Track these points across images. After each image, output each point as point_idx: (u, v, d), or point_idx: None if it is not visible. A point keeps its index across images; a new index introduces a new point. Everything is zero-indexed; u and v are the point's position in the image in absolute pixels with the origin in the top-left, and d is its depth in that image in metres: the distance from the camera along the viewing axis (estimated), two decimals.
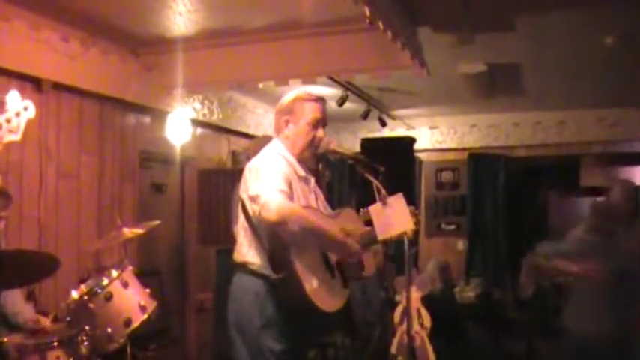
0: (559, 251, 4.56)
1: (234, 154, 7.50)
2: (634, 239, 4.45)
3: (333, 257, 3.25)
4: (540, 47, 5.91)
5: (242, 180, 3.24)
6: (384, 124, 8.54)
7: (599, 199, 4.70)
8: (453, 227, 9.55)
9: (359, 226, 3.38)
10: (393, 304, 5.64)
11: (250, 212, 3.12)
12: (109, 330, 3.77)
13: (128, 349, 3.97)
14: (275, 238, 3.00)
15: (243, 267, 3.16)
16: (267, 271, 3.08)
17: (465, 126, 9.45)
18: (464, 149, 9.40)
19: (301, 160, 3.30)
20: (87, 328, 3.71)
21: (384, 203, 3.21)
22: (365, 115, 8.03)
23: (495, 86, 7.38)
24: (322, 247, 3.20)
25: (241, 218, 3.22)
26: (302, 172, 3.28)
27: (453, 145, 9.55)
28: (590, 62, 6.36)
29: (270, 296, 3.08)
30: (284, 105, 3.35)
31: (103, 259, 4.92)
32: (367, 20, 4.30)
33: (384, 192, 3.23)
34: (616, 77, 6.99)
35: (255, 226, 3.11)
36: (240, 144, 7.58)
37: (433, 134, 9.58)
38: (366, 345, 5.98)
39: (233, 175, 6.59)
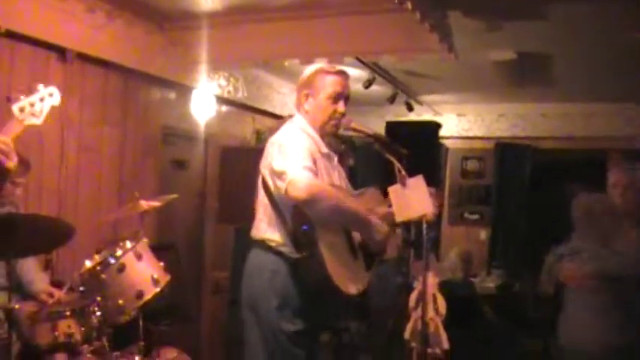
0: (555, 254, 4.28)
1: (258, 133, 7.44)
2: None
3: (357, 238, 3.18)
4: (571, 37, 5.76)
5: (264, 155, 3.18)
6: (410, 108, 8.44)
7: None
8: (476, 217, 9.45)
9: (383, 206, 3.31)
10: (411, 290, 5.57)
11: (272, 188, 3.06)
12: (120, 302, 3.73)
13: (141, 323, 3.94)
14: (300, 215, 2.95)
15: (261, 244, 3.11)
16: (287, 249, 3.03)
17: (493, 115, 9.32)
18: (490, 138, 9.29)
19: (323, 136, 3.24)
20: (98, 299, 3.69)
21: (404, 184, 3.15)
22: (392, 99, 7.94)
23: (525, 75, 7.26)
24: (349, 227, 3.14)
25: (261, 193, 3.17)
26: (325, 149, 3.22)
27: (479, 134, 9.43)
28: (621, 55, 6.20)
29: (288, 275, 3.03)
30: (304, 78, 3.29)
31: (121, 231, 4.89)
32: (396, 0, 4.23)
33: (403, 172, 3.16)
34: None
35: (277, 203, 3.05)
36: (265, 123, 7.52)
37: (460, 122, 9.47)
38: (381, 332, 5.91)
39: (256, 153, 6.54)
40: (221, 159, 6.72)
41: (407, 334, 3.90)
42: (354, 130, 3.29)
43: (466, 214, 9.51)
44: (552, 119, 8.98)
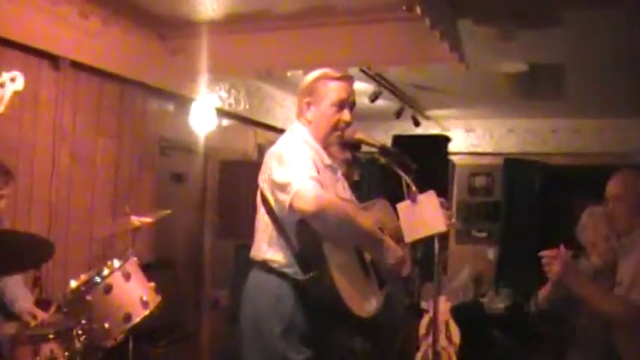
0: None
1: (260, 147, 7.24)
2: None
3: (369, 256, 2.95)
4: (585, 48, 5.57)
5: (262, 168, 2.94)
6: (417, 123, 8.25)
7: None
8: (484, 234, 9.21)
9: (393, 219, 3.06)
10: (419, 311, 5.34)
11: (273, 203, 2.81)
12: (107, 325, 3.49)
13: (130, 346, 3.70)
14: (305, 232, 2.70)
15: (263, 265, 2.86)
16: (291, 270, 2.78)
17: (502, 130, 9.12)
18: (499, 154, 9.07)
19: (326, 147, 3.00)
20: (83, 321, 3.45)
21: (414, 201, 2.90)
22: (398, 114, 7.75)
23: (536, 88, 7.06)
24: (360, 245, 2.90)
25: (261, 211, 2.92)
26: (327, 160, 2.98)
27: (488, 149, 9.22)
28: (635, 66, 6.00)
29: (293, 299, 2.78)
30: (306, 85, 3.03)
31: (114, 247, 4.67)
32: (404, 6, 4.02)
33: (414, 188, 2.92)
34: None
35: (279, 219, 2.81)
36: (267, 137, 7.32)
37: (468, 137, 9.25)
38: (388, 353, 5.67)
39: (258, 167, 6.34)
40: (220, 172, 6.50)
41: None
42: (360, 141, 3.05)
43: (474, 232, 9.27)
44: (563, 134, 8.77)
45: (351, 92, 3.03)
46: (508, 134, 9.11)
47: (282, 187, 2.71)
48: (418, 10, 3.84)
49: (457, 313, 5.20)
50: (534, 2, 4.64)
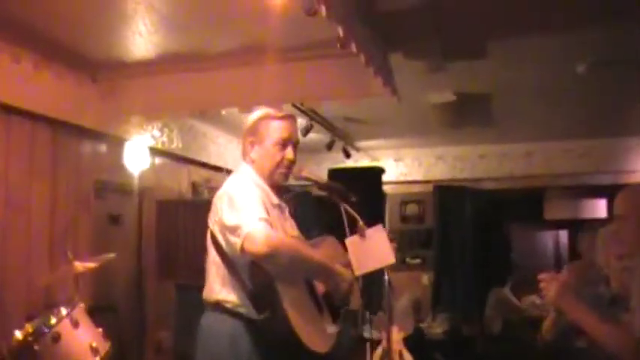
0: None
1: (194, 185, 7.21)
2: None
3: (320, 290, 2.98)
4: (511, 76, 5.81)
5: (212, 210, 2.95)
6: (348, 155, 8.37)
7: None
8: (418, 261, 9.37)
9: (342, 254, 3.11)
10: (364, 341, 5.39)
11: (224, 245, 2.82)
12: None
13: None
14: (258, 272, 2.71)
15: (216, 306, 2.85)
16: (245, 310, 2.78)
17: (431, 158, 9.34)
18: (429, 181, 9.26)
19: (272, 186, 3.04)
20: None
21: (363, 235, 2.97)
22: (329, 146, 7.85)
23: (464, 116, 7.26)
24: (313, 278, 2.95)
25: (212, 252, 2.92)
26: (275, 200, 3.02)
27: (418, 177, 9.44)
28: (561, 92, 6.30)
29: (249, 339, 2.78)
30: (249, 125, 3.08)
31: (55, 294, 4.56)
32: (339, 43, 4.10)
33: (361, 223, 2.99)
34: (585, 108, 6.96)
35: (231, 261, 2.81)
36: (201, 174, 7.31)
37: (398, 166, 9.43)
38: None
39: (194, 206, 6.32)
40: (157, 212, 6.42)
41: None
42: (307, 179, 3.10)
43: (408, 259, 9.41)
44: (491, 159, 9.05)
45: (294, 131, 3.09)
46: (437, 162, 9.33)
47: (233, 230, 2.73)
48: (354, 47, 3.93)
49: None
50: (462, 35, 4.81)
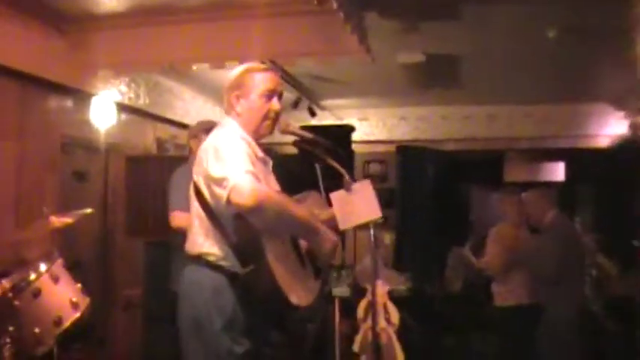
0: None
1: (159, 142, 7.12)
2: None
3: (303, 245, 2.99)
4: (482, 39, 5.84)
5: (196, 161, 2.93)
6: (313, 114, 8.33)
7: None
8: (380, 220, 9.41)
9: (325, 209, 3.12)
10: (330, 299, 5.45)
11: (209, 197, 2.80)
12: (37, 330, 3.37)
13: (55, 351, 3.58)
14: (243, 226, 2.69)
15: (199, 259, 2.84)
16: (228, 264, 2.78)
17: (394, 118, 9.39)
18: (392, 142, 9.28)
19: (258, 139, 3.03)
20: (11, 328, 3.30)
21: (349, 190, 2.99)
22: (295, 104, 7.80)
23: (431, 77, 7.31)
24: (297, 236, 2.95)
25: (195, 205, 2.90)
26: (260, 153, 3.00)
27: (381, 137, 9.48)
28: (529, 57, 6.34)
29: (231, 292, 2.78)
30: (232, 79, 3.04)
31: (24, 250, 4.47)
32: (316, 1, 4.08)
33: (347, 177, 3.01)
34: (550, 73, 7.03)
35: (215, 213, 2.80)
36: (167, 131, 7.22)
37: (362, 125, 9.43)
38: (303, 340, 5.75)
39: (161, 163, 6.25)
40: (126, 169, 6.31)
41: (356, 347, 3.74)
42: (293, 133, 3.09)
43: None
44: (454, 121, 9.14)
45: (278, 82, 3.07)
46: (400, 122, 9.38)
47: (219, 182, 2.70)
48: (334, 4, 3.90)
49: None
50: None
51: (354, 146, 9.12)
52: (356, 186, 3.00)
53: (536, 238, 5.63)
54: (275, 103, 3.01)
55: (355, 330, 5.06)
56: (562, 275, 5.16)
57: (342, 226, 3.04)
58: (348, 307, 5.77)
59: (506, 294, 5.60)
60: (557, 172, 9.60)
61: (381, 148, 9.49)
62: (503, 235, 5.71)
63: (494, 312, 5.72)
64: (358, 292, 5.94)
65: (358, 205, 2.98)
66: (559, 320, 5.11)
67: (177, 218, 4.34)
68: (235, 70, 3.10)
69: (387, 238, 9.26)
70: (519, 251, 5.52)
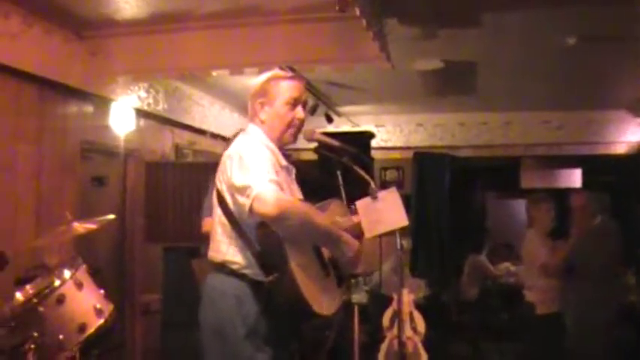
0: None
1: (177, 148, 7.13)
2: None
3: (326, 253, 2.98)
4: (499, 46, 5.83)
5: (219, 169, 2.92)
6: (330, 120, 8.34)
7: None
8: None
9: (348, 217, 3.11)
10: (350, 306, 5.43)
11: (232, 205, 2.80)
12: (61, 337, 3.35)
13: (77, 358, 3.56)
14: (266, 234, 2.68)
15: (222, 267, 2.83)
16: (252, 272, 2.77)
17: (411, 125, 9.38)
18: (409, 148, 9.26)
19: (281, 147, 3.02)
20: (35, 335, 3.29)
21: (374, 197, 2.97)
22: (313, 111, 7.78)
23: (448, 84, 7.29)
24: (320, 244, 2.93)
25: (218, 212, 2.89)
26: (284, 161, 2.99)
27: (398, 144, 9.48)
28: (545, 64, 6.33)
29: (255, 301, 2.77)
30: (257, 87, 3.03)
31: (44, 256, 4.47)
32: (337, 6, 4.06)
33: (373, 185, 2.99)
34: (568, 81, 7.00)
35: (238, 222, 2.79)
36: (185, 137, 7.23)
37: (379, 132, 9.44)
38: (320, 349, 5.73)
39: (180, 169, 6.26)
40: (146, 174, 6.32)
41: (381, 356, 3.71)
42: (319, 141, 3.09)
43: None
44: (471, 128, 9.12)
45: (303, 91, 3.06)
46: (417, 128, 9.37)
47: (242, 191, 2.70)
48: (357, 11, 3.89)
49: (378, 304, 5.33)
50: (455, 3, 4.80)
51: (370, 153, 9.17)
52: (382, 194, 2.98)
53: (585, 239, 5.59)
54: (299, 112, 3.00)
55: (372, 337, 5.04)
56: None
57: (368, 235, 3.03)
58: (364, 314, 5.76)
59: (549, 302, 5.54)
60: (574, 178, 9.56)
61: (397, 155, 9.48)
62: (543, 239, 5.71)
63: (531, 320, 5.66)
64: (376, 299, 5.93)
65: (384, 212, 2.97)
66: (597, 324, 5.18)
67: (208, 224, 4.34)
68: (260, 77, 3.10)
69: (404, 244, 9.21)
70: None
